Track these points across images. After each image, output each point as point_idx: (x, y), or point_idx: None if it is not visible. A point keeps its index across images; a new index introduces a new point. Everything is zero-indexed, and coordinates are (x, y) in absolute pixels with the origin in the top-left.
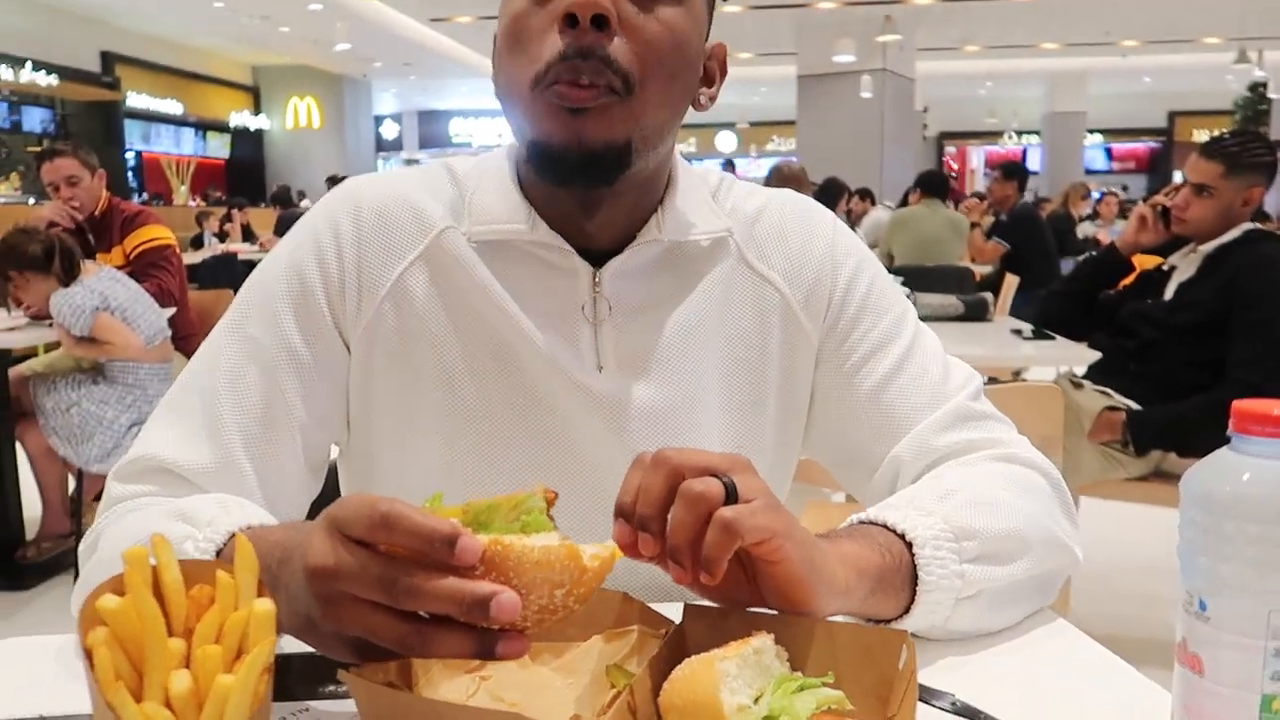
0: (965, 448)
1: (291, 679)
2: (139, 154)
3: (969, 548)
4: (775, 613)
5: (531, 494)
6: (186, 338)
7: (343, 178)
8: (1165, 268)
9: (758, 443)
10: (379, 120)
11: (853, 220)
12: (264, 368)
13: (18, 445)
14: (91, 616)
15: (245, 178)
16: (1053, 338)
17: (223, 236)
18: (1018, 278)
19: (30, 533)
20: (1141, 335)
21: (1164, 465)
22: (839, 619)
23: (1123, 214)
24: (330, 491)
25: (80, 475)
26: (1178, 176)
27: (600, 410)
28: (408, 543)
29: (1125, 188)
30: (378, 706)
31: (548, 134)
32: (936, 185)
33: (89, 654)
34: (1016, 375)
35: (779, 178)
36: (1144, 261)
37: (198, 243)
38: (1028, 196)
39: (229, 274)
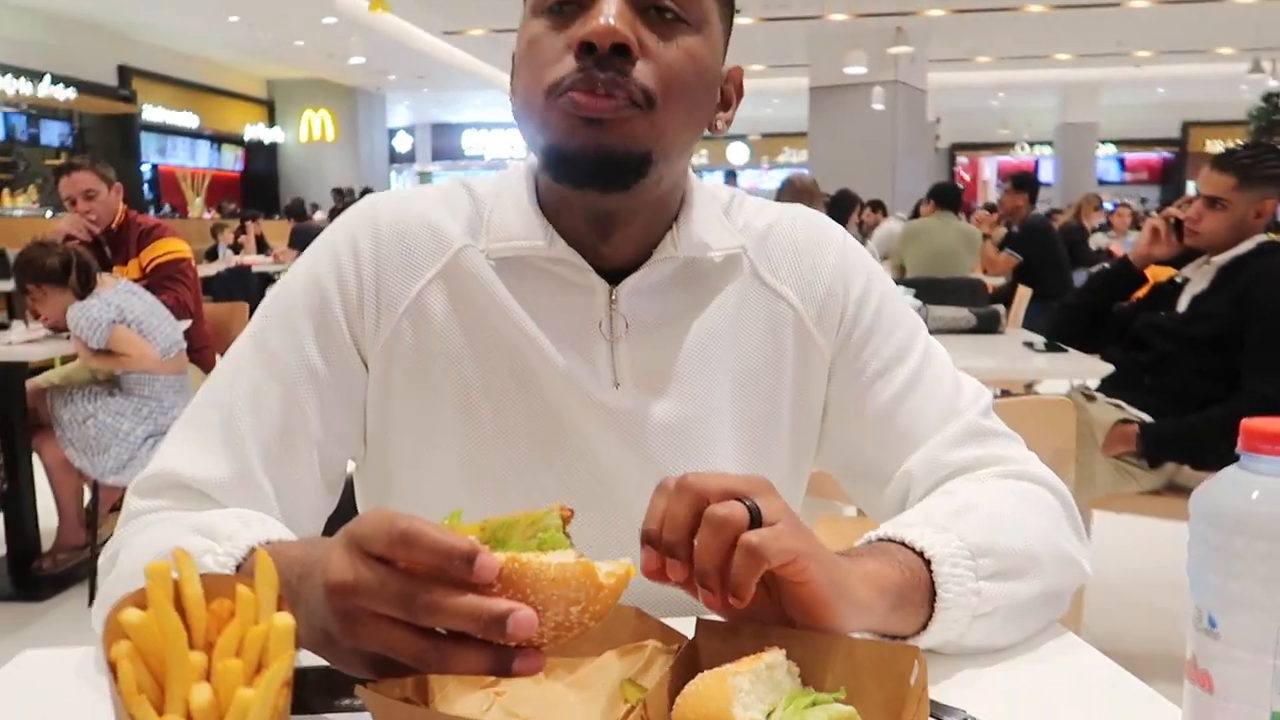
0: (975, 464)
1: (308, 693)
2: (155, 167)
3: (985, 565)
4: (788, 627)
5: (548, 511)
6: (201, 350)
7: (349, 189)
8: (1178, 280)
9: (772, 456)
10: (392, 133)
11: (864, 232)
12: (283, 384)
13: (35, 457)
14: (115, 630)
15: (260, 190)
16: (1065, 350)
17: (237, 248)
18: (1030, 290)
19: (46, 544)
20: (1155, 348)
21: (1178, 479)
22: (855, 635)
23: (1136, 225)
24: (346, 507)
25: (96, 487)
26: (1191, 187)
27: (617, 426)
28: (426, 559)
29: (1144, 200)
30: None
31: (563, 139)
32: (949, 197)
33: (113, 667)
34: (1029, 388)
35: (791, 190)
36: (1157, 274)
37: (212, 255)
38: (1040, 208)
39: (243, 286)
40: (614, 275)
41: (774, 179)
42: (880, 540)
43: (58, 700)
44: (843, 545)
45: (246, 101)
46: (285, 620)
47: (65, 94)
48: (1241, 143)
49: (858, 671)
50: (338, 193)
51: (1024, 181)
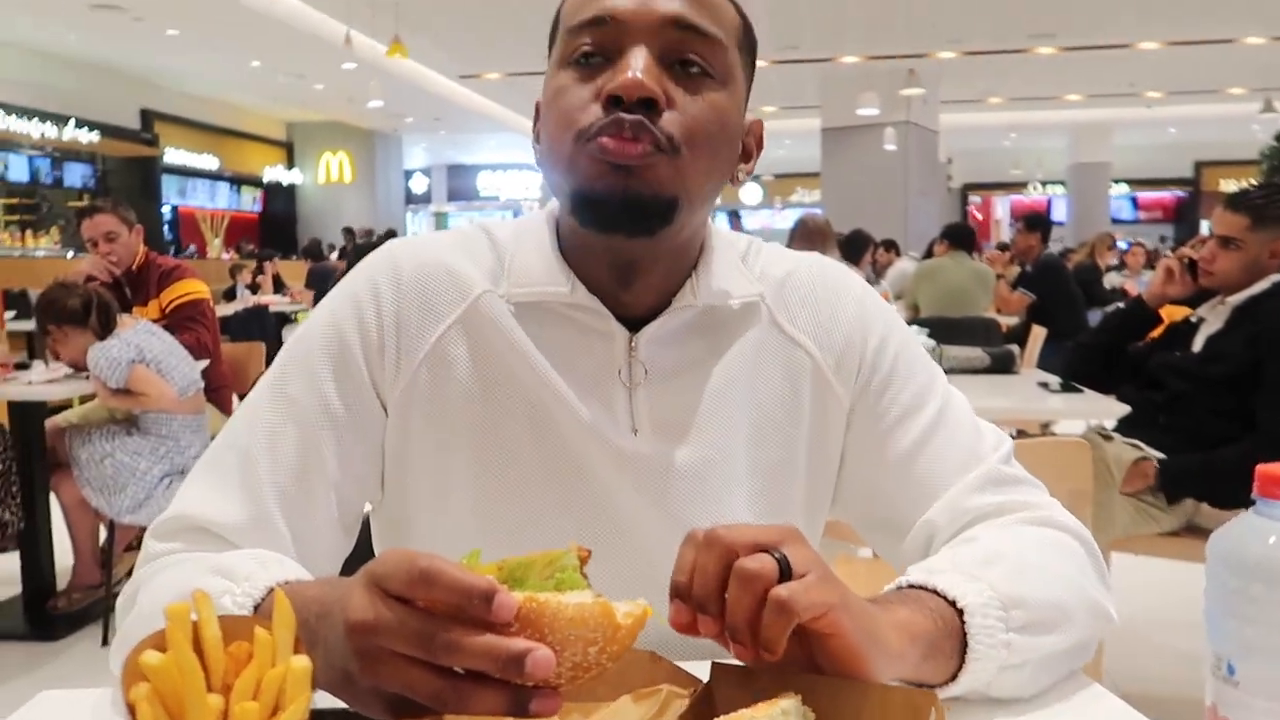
0: (997, 510)
1: None
2: (175, 208)
3: (1016, 616)
4: (802, 671)
5: (565, 552)
6: (218, 389)
7: (361, 230)
8: (1193, 319)
9: (787, 504)
10: (409, 174)
11: (878, 271)
12: (302, 427)
13: (51, 496)
14: (134, 671)
15: (278, 231)
16: (1081, 390)
17: (254, 288)
18: (1045, 329)
19: (61, 583)
20: (1170, 387)
21: (1197, 519)
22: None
23: (1150, 264)
24: (363, 548)
25: (112, 526)
26: (1205, 226)
27: (635, 473)
28: (446, 598)
29: (1164, 239)
30: None
31: (591, 183)
32: (962, 237)
33: (131, 709)
34: (1045, 428)
35: (804, 230)
36: (1172, 313)
37: (230, 295)
38: (1054, 247)
39: (260, 326)
40: (633, 323)
41: (787, 219)
42: (910, 587)
43: None
44: (859, 586)
45: (266, 144)
46: (302, 663)
47: (89, 137)
48: (1255, 182)
49: (874, 717)
50: (348, 232)
51: (1036, 221)
